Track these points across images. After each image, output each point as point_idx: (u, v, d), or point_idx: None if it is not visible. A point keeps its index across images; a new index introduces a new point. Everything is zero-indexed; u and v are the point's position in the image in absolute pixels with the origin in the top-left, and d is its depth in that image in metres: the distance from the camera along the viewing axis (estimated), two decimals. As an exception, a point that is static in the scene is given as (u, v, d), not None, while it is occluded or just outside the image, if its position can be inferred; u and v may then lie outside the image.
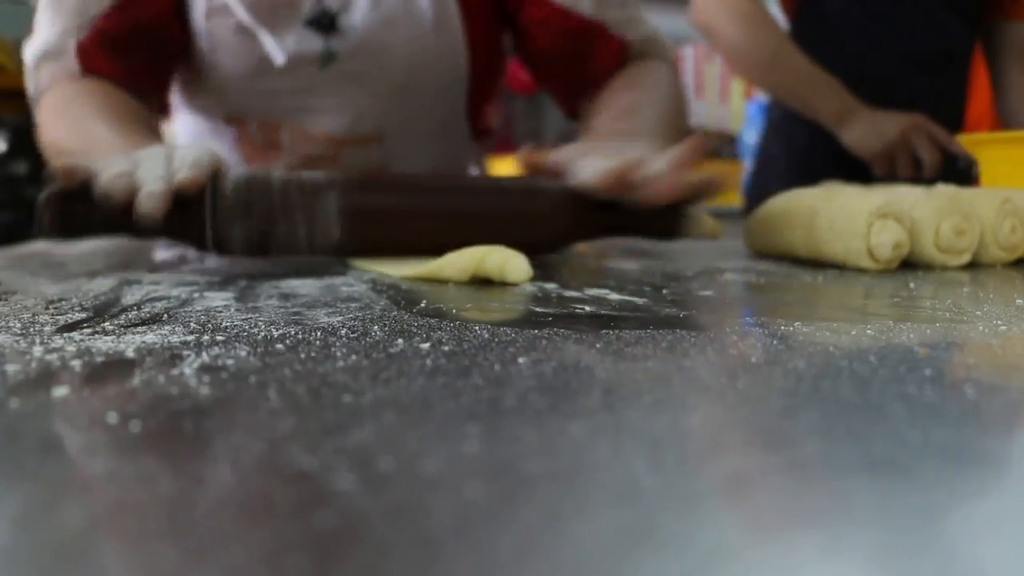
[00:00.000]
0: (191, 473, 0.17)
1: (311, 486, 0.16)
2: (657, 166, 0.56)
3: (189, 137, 0.94)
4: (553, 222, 0.59)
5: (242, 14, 0.79)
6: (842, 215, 0.54)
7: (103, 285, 0.47)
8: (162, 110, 0.88)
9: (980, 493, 0.16)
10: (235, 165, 0.69)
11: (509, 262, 0.47)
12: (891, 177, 1.15)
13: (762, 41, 1.17)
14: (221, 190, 0.53)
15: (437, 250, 0.51)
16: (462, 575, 0.13)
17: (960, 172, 1.11)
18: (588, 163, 0.58)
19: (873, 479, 0.17)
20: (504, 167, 1.96)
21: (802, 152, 1.27)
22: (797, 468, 0.18)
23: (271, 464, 0.18)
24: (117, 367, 0.26)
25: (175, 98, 0.90)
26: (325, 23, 0.81)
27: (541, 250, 0.58)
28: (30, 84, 0.80)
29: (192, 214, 0.53)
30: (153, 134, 0.75)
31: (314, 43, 0.81)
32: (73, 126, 0.73)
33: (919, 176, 1.11)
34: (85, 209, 0.52)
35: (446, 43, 0.86)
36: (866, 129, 1.13)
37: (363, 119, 0.87)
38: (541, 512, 0.15)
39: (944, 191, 0.57)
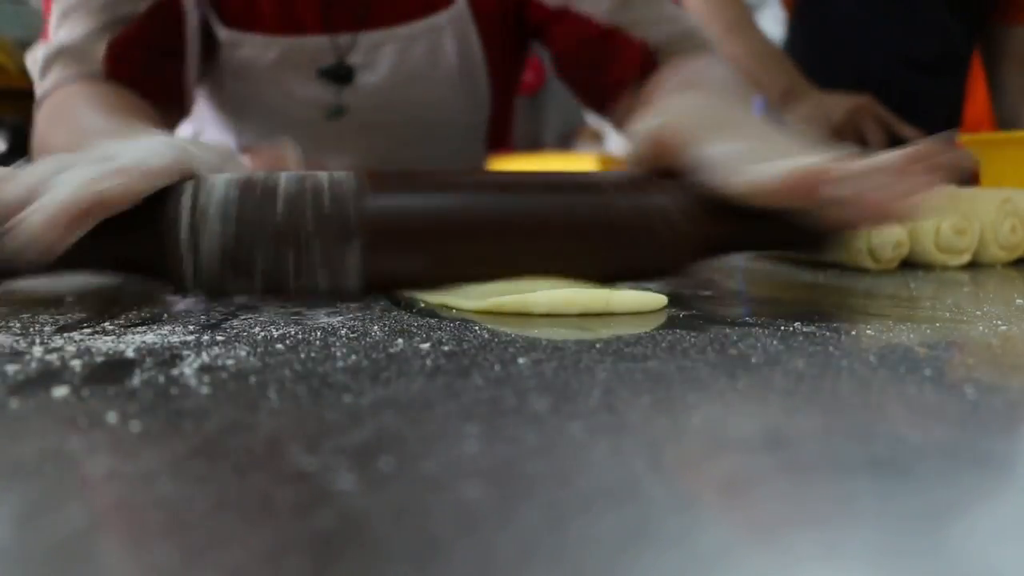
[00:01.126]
0: (191, 473, 0.17)
1: (311, 486, 0.16)
2: (872, 180, 0.39)
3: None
4: (678, 238, 0.42)
5: (259, 53, 0.75)
6: (842, 215, 0.54)
7: (103, 284, 0.47)
8: (180, 116, 0.79)
9: (980, 493, 0.16)
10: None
11: (642, 299, 0.36)
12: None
13: (719, 12, 1.17)
14: (200, 205, 0.38)
15: (496, 274, 0.39)
16: (462, 575, 0.13)
17: None
18: (752, 165, 0.41)
19: (873, 479, 0.17)
20: (504, 167, 1.96)
21: None
22: (797, 468, 0.18)
23: (271, 464, 0.18)
24: (117, 367, 0.26)
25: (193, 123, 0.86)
26: (341, 75, 0.76)
27: (650, 276, 0.44)
28: (37, 84, 0.71)
29: (162, 240, 0.38)
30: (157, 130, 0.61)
31: (325, 95, 0.77)
32: (67, 122, 0.63)
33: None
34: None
35: (470, 91, 0.83)
36: (814, 109, 1.13)
37: (387, 162, 0.83)
38: (541, 512, 0.15)
39: (944, 191, 0.57)
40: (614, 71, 0.76)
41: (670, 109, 0.53)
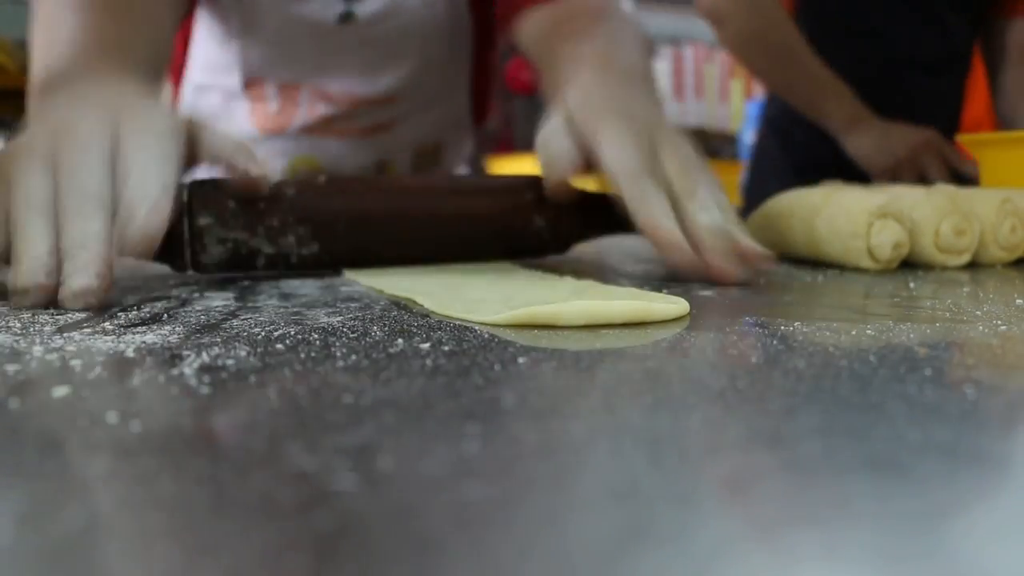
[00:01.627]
0: (191, 473, 0.17)
1: (311, 486, 0.16)
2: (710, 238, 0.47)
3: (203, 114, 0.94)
4: (559, 220, 0.55)
5: None
6: (842, 215, 0.54)
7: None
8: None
9: (980, 493, 0.16)
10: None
11: (674, 308, 0.36)
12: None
13: (773, 33, 1.13)
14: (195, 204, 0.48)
15: (432, 255, 0.53)
16: (462, 575, 0.13)
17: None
18: (631, 192, 0.49)
19: (873, 479, 0.17)
20: (504, 167, 1.96)
21: (798, 150, 1.26)
22: (797, 468, 0.18)
23: (271, 464, 0.18)
24: (117, 367, 0.26)
25: (191, 77, 0.91)
26: None
27: (546, 251, 0.57)
28: None
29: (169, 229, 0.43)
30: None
31: (336, 5, 0.84)
32: (60, 8, 0.59)
33: None
34: None
35: (453, 12, 0.89)
36: (875, 141, 1.10)
37: (379, 79, 0.90)
38: (541, 512, 0.15)
39: (944, 190, 0.57)
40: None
41: (571, 103, 0.57)
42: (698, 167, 0.51)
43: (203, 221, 0.48)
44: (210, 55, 0.89)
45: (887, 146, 1.10)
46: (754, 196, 1.24)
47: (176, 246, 0.47)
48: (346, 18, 0.85)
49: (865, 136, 1.11)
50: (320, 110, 0.90)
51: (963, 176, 1.08)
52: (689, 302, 0.37)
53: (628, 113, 0.53)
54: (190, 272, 0.49)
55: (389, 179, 0.68)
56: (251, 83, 0.89)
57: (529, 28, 0.80)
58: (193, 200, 0.48)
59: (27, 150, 0.41)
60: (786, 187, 0.66)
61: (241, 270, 0.50)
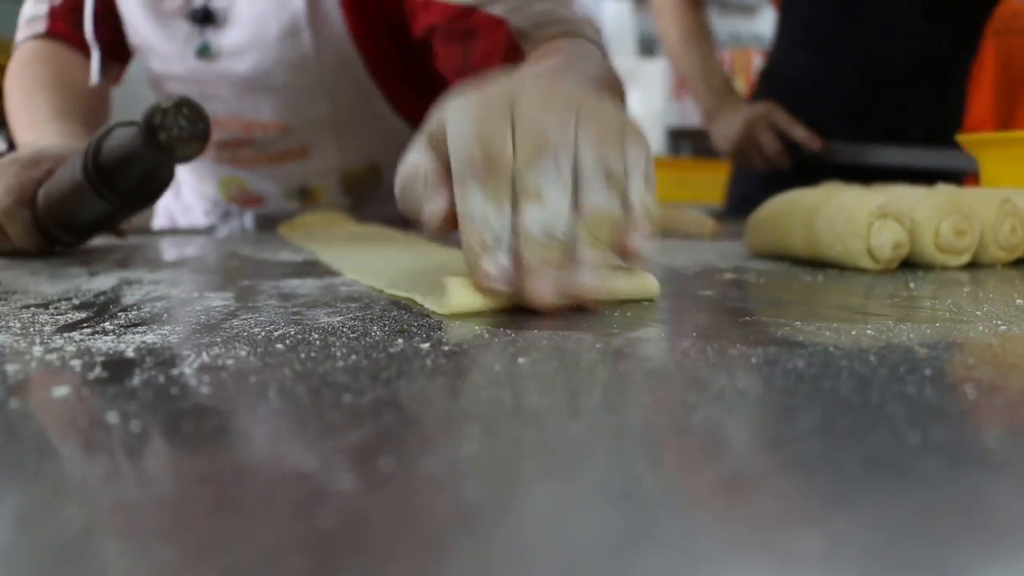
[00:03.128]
0: (191, 473, 0.17)
1: (311, 486, 0.16)
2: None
3: None
4: None
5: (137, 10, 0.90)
6: (842, 215, 0.54)
7: (103, 284, 0.47)
8: (116, 79, 0.99)
9: (980, 493, 0.16)
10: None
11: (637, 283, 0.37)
12: (743, 166, 1.19)
13: (681, 19, 1.21)
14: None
15: None
16: (461, 575, 0.13)
17: (809, 157, 1.13)
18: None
19: (873, 479, 0.17)
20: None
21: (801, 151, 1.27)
22: (797, 468, 0.18)
23: (271, 464, 0.18)
24: (117, 367, 0.26)
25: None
26: (200, 17, 0.87)
27: None
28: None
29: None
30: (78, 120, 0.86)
31: (194, 36, 0.88)
32: (25, 92, 0.88)
33: (772, 167, 1.13)
34: None
35: (327, 38, 0.86)
36: (720, 127, 1.20)
37: (260, 109, 0.91)
38: (541, 512, 0.15)
39: (944, 191, 0.57)
40: (477, 54, 0.73)
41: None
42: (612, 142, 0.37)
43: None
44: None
45: (726, 129, 1.17)
46: (735, 195, 1.27)
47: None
48: (202, 52, 0.89)
49: (716, 124, 1.20)
50: (217, 135, 0.91)
51: (797, 144, 1.12)
52: (690, 302, 0.37)
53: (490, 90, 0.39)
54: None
55: None
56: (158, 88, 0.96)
57: None
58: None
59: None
60: (765, 186, 0.66)
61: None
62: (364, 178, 0.98)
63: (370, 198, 1.01)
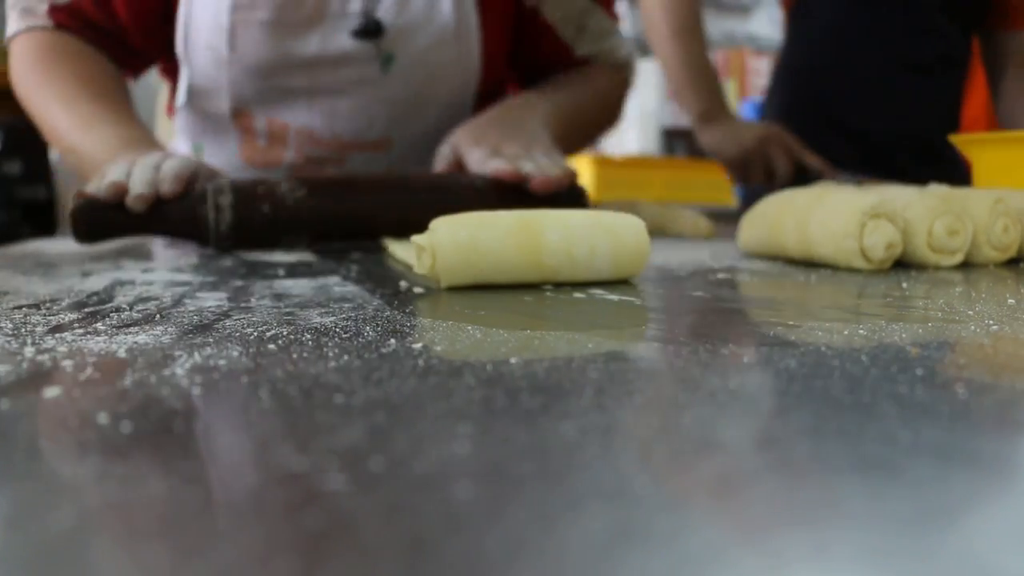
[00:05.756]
0: (182, 473, 0.17)
1: (302, 486, 0.16)
2: (529, 166, 0.70)
3: (191, 137, 0.94)
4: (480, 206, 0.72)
5: (267, 12, 0.82)
6: (835, 215, 0.54)
7: (95, 285, 0.47)
8: (135, 70, 0.93)
9: (972, 493, 0.16)
10: (232, 171, 0.86)
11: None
12: (744, 183, 1.19)
13: (671, 15, 1.19)
14: (219, 200, 0.65)
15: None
16: (451, 575, 0.13)
17: (812, 181, 1.14)
18: (477, 157, 0.73)
19: (864, 479, 0.17)
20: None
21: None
22: (788, 468, 0.18)
23: (262, 464, 0.18)
24: (109, 368, 0.26)
25: (178, 98, 0.91)
26: (371, 29, 0.84)
27: None
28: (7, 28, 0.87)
29: (195, 217, 0.66)
30: (130, 107, 0.84)
31: (365, 46, 0.84)
32: (54, 88, 0.81)
33: (771, 185, 1.14)
34: (113, 216, 0.65)
35: (463, 53, 0.88)
36: (726, 133, 1.18)
37: (374, 124, 0.88)
38: (531, 512, 0.15)
39: (937, 191, 0.58)
40: (547, 72, 0.97)
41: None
42: (531, 147, 0.76)
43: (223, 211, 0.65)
44: (200, 79, 0.88)
45: (736, 138, 1.17)
46: (749, 198, 1.26)
47: (201, 229, 0.66)
48: (369, 32, 0.84)
49: (717, 129, 1.19)
50: (307, 152, 0.89)
51: (808, 168, 1.13)
52: (682, 302, 0.37)
53: (485, 129, 0.78)
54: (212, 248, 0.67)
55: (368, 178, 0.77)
56: (238, 113, 0.89)
57: None
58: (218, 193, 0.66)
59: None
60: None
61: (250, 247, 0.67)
62: None
63: None
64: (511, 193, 0.69)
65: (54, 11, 0.84)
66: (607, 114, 1.02)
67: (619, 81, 1.00)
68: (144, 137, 0.77)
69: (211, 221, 0.65)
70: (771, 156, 1.15)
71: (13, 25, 0.86)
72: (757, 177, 1.16)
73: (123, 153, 0.71)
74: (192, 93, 0.89)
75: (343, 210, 0.69)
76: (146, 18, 0.85)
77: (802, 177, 1.14)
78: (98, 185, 0.65)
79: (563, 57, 0.96)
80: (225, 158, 0.91)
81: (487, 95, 0.94)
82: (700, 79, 1.18)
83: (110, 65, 0.86)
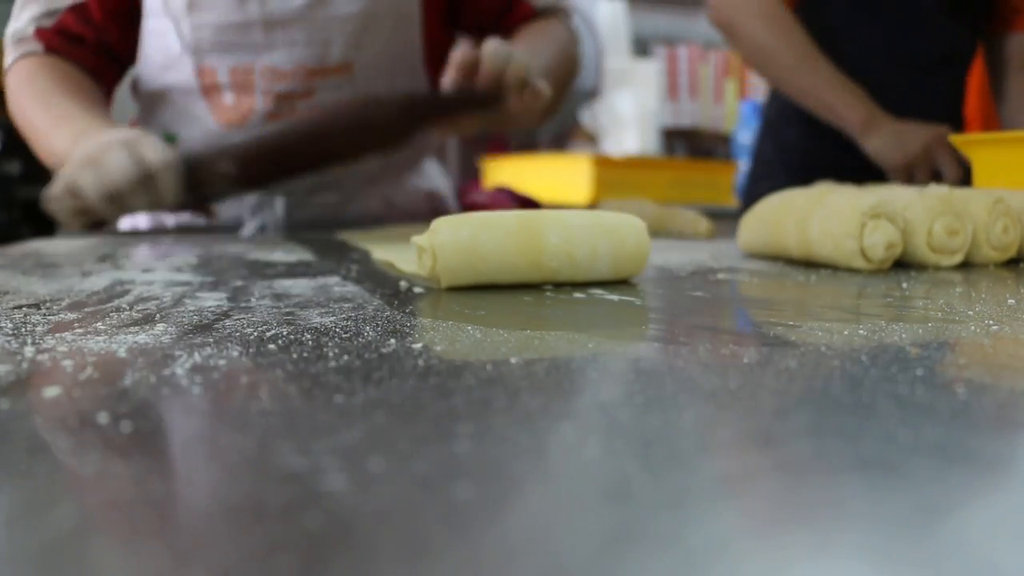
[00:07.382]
0: (181, 473, 0.17)
1: (301, 486, 0.16)
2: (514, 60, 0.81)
3: (163, 131, 1.00)
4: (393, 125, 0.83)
5: None
6: (835, 215, 0.54)
7: (95, 285, 0.47)
8: (119, 76, 1.02)
9: (971, 492, 0.16)
10: (211, 141, 0.91)
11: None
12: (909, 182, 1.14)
13: (788, 42, 1.16)
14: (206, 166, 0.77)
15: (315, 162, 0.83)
16: (452, 575, 0.13)
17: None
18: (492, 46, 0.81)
19: (864, 478, 0.17)
20: (499, 169, 1.96)
21: (796, 153, 1.27)
22: (788, 467, 0.18)
23: (262, 464, 0.18)
24: (109, 367, 0.26)
25: (143, 90, 1.00)
26: None
27: (388, 147, 0.85)
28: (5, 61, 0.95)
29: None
30: (106, 110, 0.93)
31: None
32: (38, 99, 0.89)
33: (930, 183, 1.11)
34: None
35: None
36: (890, 139, 1.12)
37: (330, 48, 0.95)
38: (531, 512, 0.15)
39: (937, 191, 0.58)
40: (509, 20, 1.06)
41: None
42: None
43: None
44: (158, 56, 0.95)
45: (902, 143, 1.12)
46: (750, 197, 1.25)
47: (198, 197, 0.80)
48: None
49: (881, 135, 1.13)
50: (276, 88, 0.94)
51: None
52: (682, 302, 0.37)
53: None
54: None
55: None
56: (203, 73, 0.95)
57: None
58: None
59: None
60: (779, 188, 0.66)
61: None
62: None
63: None
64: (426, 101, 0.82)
65: (41, 33, 0.92)
66: (572, 65, 1.09)
67: (571, 33, 1.09)
68: (102, 125, 0.84)
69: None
70: (939, 161, 1.10)
71: (10, 56, 0.94)
72: (921, 179, 1.12)
73: (82, 140, 0.78)
74: (154, 74, 0.96)
75: (278, 144, 0.80)
76: (117, 15, 0.94)
77: (970, 182, 1.10)
78: (58, 191, 0.73)
79: (521, 9, 1.06)
80: (200, 133, 0.96)
81: (432, 25, 1.01)
82: (847, 92, 1.14)
83: (90, 80, 0.94)
